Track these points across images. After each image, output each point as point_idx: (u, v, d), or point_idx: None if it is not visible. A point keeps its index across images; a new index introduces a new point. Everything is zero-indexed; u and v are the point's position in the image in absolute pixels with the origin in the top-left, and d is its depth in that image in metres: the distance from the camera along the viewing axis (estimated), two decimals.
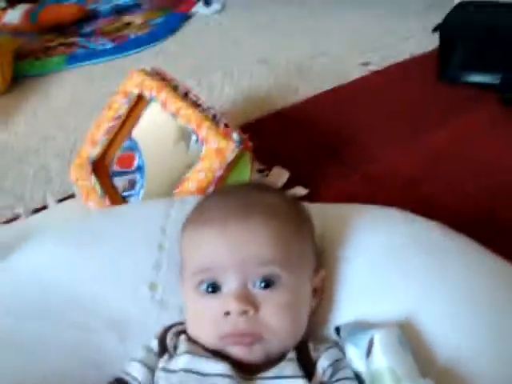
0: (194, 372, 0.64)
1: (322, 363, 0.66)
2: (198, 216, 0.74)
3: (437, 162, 1.32)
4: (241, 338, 0.65)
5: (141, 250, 0.80)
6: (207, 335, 0.67)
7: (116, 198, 1.15)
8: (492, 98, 1.52)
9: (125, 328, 0.75)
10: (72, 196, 1.31)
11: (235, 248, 0.67)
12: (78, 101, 1.81)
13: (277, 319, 0.66)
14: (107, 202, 1.12)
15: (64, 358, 0.71)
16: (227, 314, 0.65)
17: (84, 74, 1.97)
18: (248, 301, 0.65)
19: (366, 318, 0.70)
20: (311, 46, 1.96)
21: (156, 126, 1.19)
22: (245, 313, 0.65)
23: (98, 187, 1.15)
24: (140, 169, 1.18)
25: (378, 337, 0.63)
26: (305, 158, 1.34)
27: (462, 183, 1.23)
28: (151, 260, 0.79)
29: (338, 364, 0.67)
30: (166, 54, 2.04)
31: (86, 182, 1.17)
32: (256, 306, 0.65)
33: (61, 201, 1.30)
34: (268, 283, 0.66)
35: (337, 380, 0.64)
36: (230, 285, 0.67)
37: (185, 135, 1.13)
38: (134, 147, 1.20)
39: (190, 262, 0.71)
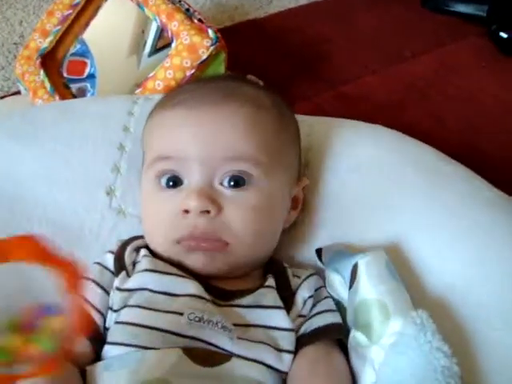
0: (158, 292, 0.54)
1: (303, 293, 0.58)
2: (167, 99, 0.63)
3: (416, 91, 1.25)
4: (199, 241, 0.56)
5: (98, 148, 0.68)
6: (162, 238, 0.57)
7: (68, 96, 1.02)
8: (477, 30, 1.46)
9: (75, 237, 0.64)
10: (17, 94, 1.17)
11: (202, 134, 0.56)
12: None
13: (242, 223, 0.56)
14: (57, 100, 0.99)
15: (3, 271, 0.60)
16: (186, 212, 0.55)
17: None
18: (210, 199, 0.55)
19: (351, 239, 0.63)
20: None
21: (112, 26, 1.06)
22: (206, 212, 0.55)
23: (47, 83, 1.01)
24: (91, 77, 1.05)
25: (363, 263, 0.55)
26: (279, 69, 1.24)
27: (442, 114, 1.18)
28: (110, 161, 0.68)
29: (318, 294, 0.59)
30: None
31: (34, 77, 1.02)
32: (219, 206, 0.55)
33: (2, 98, 1.15)
34: (237, 182, 0.56)
35: (318, 313, 0.57)
36: (192, 179, 0.56)
37: (139, 42, 1.02)
38: (85, 53, 1.07)
39: (149, 150, 0.60)
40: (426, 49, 1.38)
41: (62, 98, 1.00)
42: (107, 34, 1.08)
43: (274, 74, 1.20)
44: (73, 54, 1.08)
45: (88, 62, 1.07)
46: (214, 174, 0.56)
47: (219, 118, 0.57)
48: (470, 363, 0.52)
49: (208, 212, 0.55)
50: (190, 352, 0.50)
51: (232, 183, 0.56)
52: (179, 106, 0.58)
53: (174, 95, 0.62)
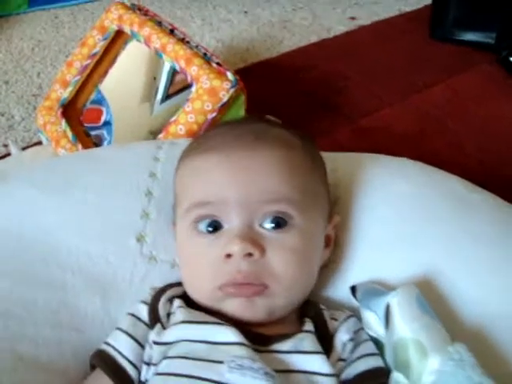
0: (197, 341, 0.54)
1: (342, 337, 0.57)
2: (198, 145, 0.63)
3: (433, 120, 1.26)
4: (242, 287, 0.55)
5: (126, 196, 0.68)
6: (203, 284, 0.57)
7: (89, 145, 1.03)
8: (487, 58, 1.48)
9: (107, 286, 0.64)
10: (38, 144, 1.19)
11: (240, 177, 0.56)
12: (42, 45, 1.67)
13: (285, 266, 0.55)
14: (80, 148, 1.00)
15: (37, 323, 0.59)
16: (229, 256, 0.55)
17: (49, 17, 1.83)
18: (253, 241, 0.54)
19: (384, 275, 0.62)
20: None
21: (125, 74, 1.09)
22: (249, 255, 0.54)
23: (69, 132, 1.02)
24: (107, 124, 1.07)
25: (395, 301, 0.54)
26: (295, 107, 1.26)
27: (461, 142, 1.19)
28: (138, 208, 0.68)
29: (358, 337, 0.58)
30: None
31: (55, 127, 1.04)
32: (262, 249, 0.55)
33: (25, 148, 1.17)
34: (277, 223, 0.56)
35: (359, 357, 0.56)
36: (232, 223, 0.56)
37: (151, 89, 1.04)
38: (101, 101, 1.09)
39: (186, 196, 0.60)
40: (438, 78, 1.40)
41: (84, 146, 1.02)
42: (121, 81, 1.10)
43: (291, 112, 1.21)
44: (90, 102, 1.10)
45: (104, 109, 1.09)
46: (254, 217, 0.56)
47: (253, 162, 0.57)
48: None
49: (251, 255, 0.54)
50: None
51: (273, 225, 0.56)
52: (212, 151, 0.59)
53: (204, 140, 0.63)
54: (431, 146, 1.16)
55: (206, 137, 0.64)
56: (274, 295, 0.56)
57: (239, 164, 0.57)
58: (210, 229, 0.57)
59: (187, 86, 1.01)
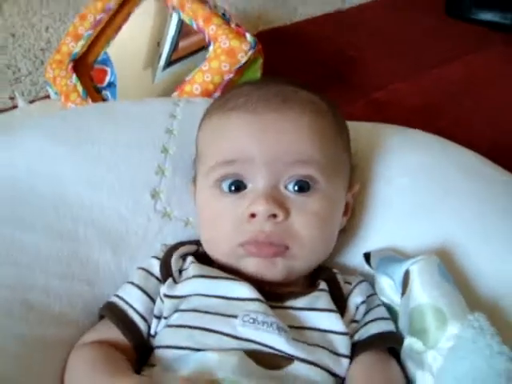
0: (211, 295, 0.54)
1: (355, 299, 0.58)
2: (221, 104, 0.62)
3: (445, 97, 1.25)
4: (264, 246, 0.55)
5: (142, 151, 0.67)
6: (225, 242, 0.56)
7: (99, 100, 1.02)
8: (502, 38, 1.46)
9: (120, 240, 0.63)
10: (46, 98, 1.17)
11: (268, 138, 0.55)
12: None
13: (308, 229, 0.55)
14: (90, 103, 0.99)
15: (48, 273, 0.59)
16: (253, 216, 0.55)
17: None
18: (278, 203, 0.54)
19: (400, 244, 0.62)
20: None
21: (130, 37, 1.07)
22: (273, 217, 0.54)
23: (79, 87, 1.01)
24: (111, 86, 1.06)
25: (416, 268, 0.54)
26: (307, 76, 1.23)
27: (471, 119, 1.17)
28: (154, 164, 0.67)
29: (371, 301, 0.58)
30: None
31: (65, 81, 1.03)
32: (287, 211, 0.55)
33: (32, 102, 1.15)
34: (302, 187, 0.56)
35: (372, 320, 0.56)
36: (258, 183, 0.56)
37: (154, 55, 1.04)
38: (106, 62, 1.08)
39: (209, 154, 0.59)
40: (452, 56, 1.38)
41: (94, 101, 1.00)
42: (127, 44, 1.09)
43: (302, 80, 1.21)
44: (96, 62, 1.08)
45: (109, 70, 1.08)
46: (280, 178, 0.56)
47: (283, 123, 0.56)
48: None
49: (275, 216, 0.54)
50: (251, 354, 0.49)
51: (297, 188, 0.56)
52: (239, 109, 0.58)
53: (229, 98, 0.61)
54: (442, 121, 1.15)
55: (231, 95, 0.62)
56: (295, 257, 0.56)
57: (268, 124, 0.56)
58: (233, 188, 0.57)
59: (190, 54, 1.01)
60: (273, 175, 0.55)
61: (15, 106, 1.16)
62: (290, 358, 0.50)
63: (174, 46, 1.03)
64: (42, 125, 0.72)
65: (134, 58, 1.06)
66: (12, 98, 1.20)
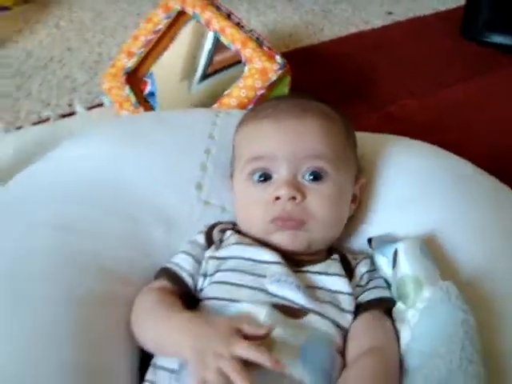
0: (245, 259, 0.69)
1: (360, 269, 0.72)
2: (253, 115, 0.78)
3: (455, 116, 1.35)
4: (287, 221, 0.70)
5: (189, 152, 0.84)
6: (257, 220, 0.72)
7: (149, 109, 1.18)
8: None
9: (171, 222, 0.79)
10: (100, 105, 1.34)
11: (288, 139, 0.72)
12: (102, 17, 1.82)
13: (321, 208, 0.71)
14: (142, 111, 1.15)
15: (115, 244, 0.74)
16: (277, 198, 0.70)
17: None
18: (296, 188, 0.70)
19: (396, 230, 0.76)
20: None
21: (170, 50, 1.21)
22: (293, 198, 0.70)
23: (132, 97, 1.17)
24: (152, 95, 1.21)
25: (402, 247, 0.69)
26: (329, 92, 1.35)
27: (478, 137, 1.27)
28: (198, 162, 0.83)
29: (373, 273, 0.73)
30: None
31: (120, 91, 1.19)
32: (303, 194, 0.71)
33: (90, 109, 1.32)
34: (316, 176, 0.72)
35: (373, 287, 0.71)
36: (280, 173, 0.71)
37: (191, 68, 1.17)
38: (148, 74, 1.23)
39: (243, 153, 0.76)
40: (465, 76, 1.49)
41: (145, 110, 1.16)
42: (166, 57, 1.23)
43: (324, 96, 1.33)
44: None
45: (149, 81, 1.23)
46: (298, 170, 0.71)
47: (300, 128, 0.72)
48: (490, 323, 0.64)
49: (294, 198, 0.70)
50: (276, 306, 0.64)
51: (311, 177, 0.71)
52: (267, 118, 0.74)
53: (260, 110, 0.78)
54: (448, 139, 1.23)
55: (261, 107, 0.79)
56: (312, 230, 0.71)
57: (288, 128, 0.72)
58: (262, 178, 0.73)
59: (224, 68, 1.16)
60: (292, 167, 0.71)
61: (73, 113, 1.33)
62: (306, 311, 0.64)
63: (210, 61, 1.18)
64: (106, 130, 0.89)
65: (172, 70, 1.21)
66: (70, 105, 1.37)
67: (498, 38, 1.65)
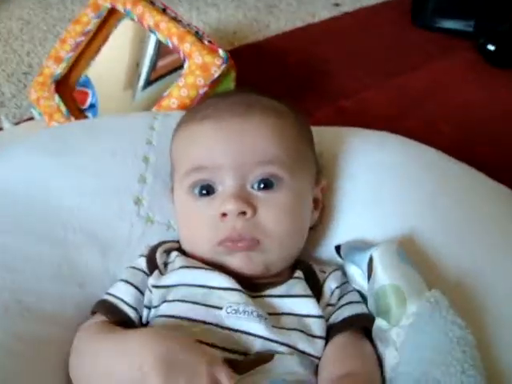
0: (196, 285, 0.59)
1: (330, 285, 0.62)
2: (192, 114, 0.67)
3: (411, 103, 1.31)
4: (238, 242, 0.60)
5: (124, 161, 0.72)
6: (203, 242, 0.61)
7: (82, 119, 1.06)
8: (466, 45, 1.52)
9: (107, 244, 0.68)
10: (30, 120, 1.22)
11: (233, 143, 0.61)
12: (31, 26, 1.69)
13: (275, 222, 0.60)
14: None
15: (42, 276, 0.63)
16: (224, 215, 0.60)
17: None
18: (246, 201, 0.59)
19: (367, 235, 0.67)
20: None
21: (110, 58, 1.12)
22: (243, 214, 0.59)
23: (62, 107, 1.06)
24: (92, 107, 1.10)
25: (377, 254, 0.59)
26: (280, 88, 1.28)
27: (436, 123, 1.23)
28: (136, 173, 0.72)
29: (345, 287, 0.63)
30: None
31: (49, 102, 1.07)
32: (254, 208, 0.60)
33: (18, 124, 1.20)
34: (266, 184, 0.61)
35: (345, 304, 0.61)
36: (226, 184, 0.61)
37: (134, 75, 1.08)
38: (87, 84, 1.12)
39: (181, 162, 0.65)
40: (418, 64, 1.44)
41: (77, 119, 1.05)
42: (107, 65, 1.13)
43: (275, 92, 1.26)
44: (77, 85, 1.13)
45: (90, 92, 1.12)
46: (246, 179, 0.61)
47: (246, 128, 0.61)
48: (482, 336, 0.56)
49: (244, 213, 0.59)
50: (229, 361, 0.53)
51: (262, 186, 0.61)
52: (207, 119, 0.63)
53: (198, 110, 0.67)
54: (408, 127, 1.19)
55: (200, 106, 0.68)
56: (269, 249, 0.61)
57: (232, 130, 0.61)
58: (204, 192, 0.62)
59: (168, 73, 1.06)
60: (239, 177, 0.60)
61: (0, 129, 1.20)
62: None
63: (153, 66, 1.08)
64: (31, 140, 0.77)
65: (114, 79, 1.11)
66: None
67: (448, 23, 1.62)
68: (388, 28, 1.64)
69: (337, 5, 1.79)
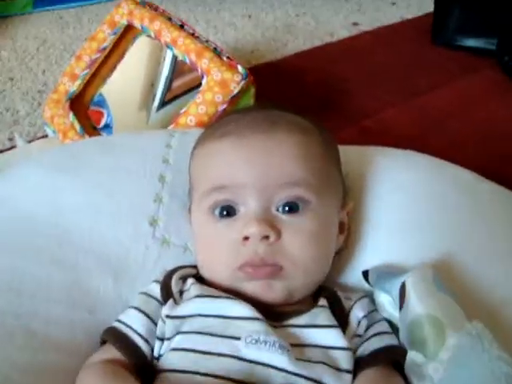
0: (213, 316, 0.54)
1: (357, 314, 0.58)
2: (213, 131, 0.63)
3: (433, 122, 1.27)
4: (259, 267, 0.55)
5: (140, 180, 0.69)
6: (222, 267, 0.57)
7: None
8: (488, 63, 1.49)
9: (120, 268, 0.64)
10: (44, 137, 1.20)
11: (257, 162, 0.57)
12: (47, 45, 1.69)
13: (300, 248, 0.56)
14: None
15: (50, 301, 0.60)
16: (246, 239, 0.55)
17: (54, 17, 1.86)
18: (270, 224, 0.55)
19: (397, 260, 0.62)
20: (295, 5, 1.89)
21: (126, 78, 1.09)
22: (266, 238, 0.55)
23: (77, 124, 1.03)
24: (107, 128, 1.08)
25: (411, 281, 0.54)
26: (298, 108, 1.26)
27: (460, 142, 1.19)
28: (152, 192, 0.68)
29: (373, 316, 0.58)
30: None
31: (63, 119, 1.05)
32: (278, 232, 0.56)
33: (31, 141, 1.18)
34: (292, 207, 0.57)
35: (374, 334, 0.56)
36: (249, 206, 0.56)
37: (149, 96, 1.06)
38: (102, 103, 1.10)
39: (201, 181, 0.60)
40: (439, 83, 1.41)
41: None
42: (121, 85, 1.10)
43: (296, 112, 1.23)
44: (91, 104, 1.10)
45: (105, 112, 1.09)
46: (271, 201, 0.56)
47: (270, 146, 0.57)
48: None
49: (267, 238, 0.55)
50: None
51: (287, 209, 0.56)
52: (228, 135, 0.59)
53: (218, 126, 0.63)
54: (432, 147, 1.15)
55: (220, 123, 0.64)
56: (290, 277, 0.56)
57: (256, 148, 0.57)
58: (225, 213, 0.57)
59: (183, 93, 1.03)
60: (263, 198, 0.56)
61: (14, 147, 1.18)
62: None
63: (168, 86, 1.06)
64: (42, 158, 0.74)
65: (129, 99, 1.08)
66: (11, 139, 1.22)
67: (470, 42, 1.59)
68: (408, 46, 1.61)
69: (355, 24, 1.77)
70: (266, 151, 0.57)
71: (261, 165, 0.57)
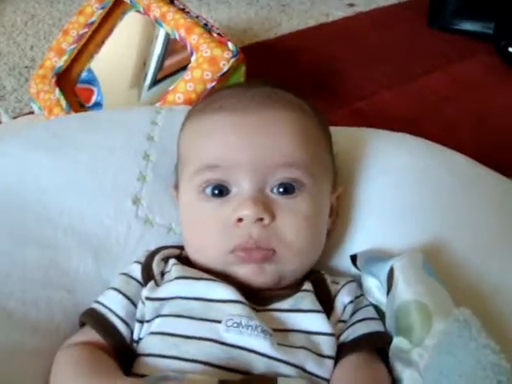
0: (193, 298, 0.52)
1: (342, 299, 0.56)
2: (206, 105, 0.60)
3: (428, 106, 1.25)
4: (252, 251, 0.53)
5: (123, 158, 0.67)
6: (213, 249, 0.55)
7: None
8: (485, 47, 1.47)
9: (101, 248, 0.62)
10: (30, 114, 1.17)
11: (254, 140, 0.54)
12: (36, 19, 1.66)
13: (295, 231, 0.54)
14: None
15: (28, 281, 0.58)
16: (239, 220, 0.53)
17: None
18: (264, 206, 0.53)
19: (387, 244, 0.61)
20: None
21: (117, 55, 1.07)
22: (260, 220, 0.53)
23: (63, 101, 1.00)
24: (97, 105, 1.05)
25: (399, 265, 0.53)
26: (292, 89, 1.24)
27: (456, 127, 1.17)
28: (135, 170, 0.66)
29: (359, 301, 0.57)
30: None
31: (49, 95, 1.02)
32: (272, 214, 0.54)
33: (16, 117, 1.15)
34: (287, 189, 0.55)
35: (359, 320, 0.55)
36: (243, 186, 0.54)
37: (140, 74, 1.04)
38: (92, 81, 1.07)
39: (191, 159, 0.58)
40: (435, 66, 1.40)
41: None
42: (113, 62, 1.08)
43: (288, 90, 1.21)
44: (81, 81, 1.08)
45: (95, 90, 1.07)
46: (266, 181, 0.54)
47: (270, 124, 0.55)
48: None
49: (262, 220, 0.53)
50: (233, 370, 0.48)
51: (281, 190, 0.54)
52: (224, 110, 0.56)
53: (210, 102, 0.60)
54: (426, 130, 1.14)
55: (212, 97, 0.61)
56: (283, 261, 0.54)
57: (252, 124, 0.55)
58: (216, 192, 0.55)
59: (175, 72, 1.00)
60: (259, 178, 0.54)
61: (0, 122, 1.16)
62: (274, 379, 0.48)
63: (160, 65, 1.04)
64: (24, 134, 0.72)
65: (120, 76, 1.06)
66: None
67: (467, 25, 1.56)
68: (404, 29, 1.59)
69: (351, 5, 1.74)
70: (263, 130, 0.55)
71: (258, 143, 0.54)
